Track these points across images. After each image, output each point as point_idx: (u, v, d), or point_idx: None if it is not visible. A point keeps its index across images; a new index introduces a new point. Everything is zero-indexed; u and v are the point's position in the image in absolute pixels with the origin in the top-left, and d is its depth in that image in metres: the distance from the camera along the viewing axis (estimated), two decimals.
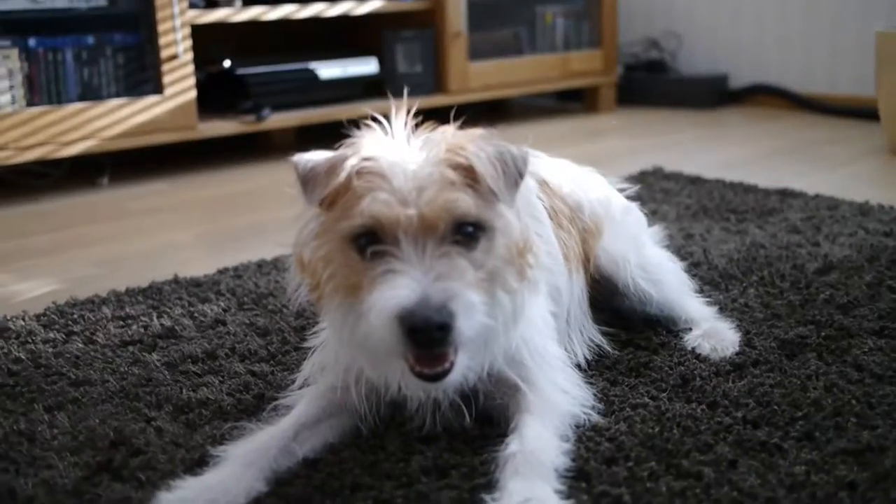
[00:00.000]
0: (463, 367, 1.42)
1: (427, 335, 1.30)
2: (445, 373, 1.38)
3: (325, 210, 1.49)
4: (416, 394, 1.53)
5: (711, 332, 1.96)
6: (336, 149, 1.53)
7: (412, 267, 1.34)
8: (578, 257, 1.91)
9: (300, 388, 1.68)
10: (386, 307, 1.31)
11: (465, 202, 1.40)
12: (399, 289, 1.31)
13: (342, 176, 1.43)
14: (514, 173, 1.49)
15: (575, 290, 1.87)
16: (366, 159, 1.44)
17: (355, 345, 1.49)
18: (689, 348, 1.92)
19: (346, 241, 1.42)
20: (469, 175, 1.44)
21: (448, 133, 1.52)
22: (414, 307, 1.29)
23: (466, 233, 1.40)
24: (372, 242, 1.38)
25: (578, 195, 1.98)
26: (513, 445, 1.44)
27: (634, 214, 2.15)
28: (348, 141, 1.53)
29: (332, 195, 1.46)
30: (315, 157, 1.50)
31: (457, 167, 1.43)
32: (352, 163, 1.44)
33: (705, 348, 1.90)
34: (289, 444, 1.52)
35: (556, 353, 1.67)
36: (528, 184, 1.82)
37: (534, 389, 1.56)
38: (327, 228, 1.47)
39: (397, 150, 1.47)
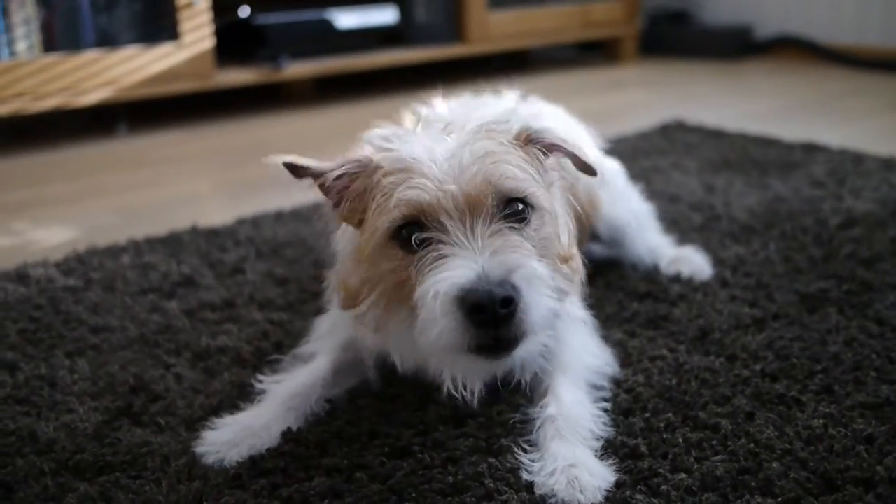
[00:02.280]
0: (531, 346, 1.28)
1: (493, 313, 1.16)
2: (512, 344, 1.22)
3: (359, 230, 1.39)
4: (471, 380, 1.38)
5: (682, 257, 2.07)
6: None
7: (463, 248, 1.22)
8: (574, 232, 1.88)
9: (316, 340, 1.69)
10: (442, 290, 1.18)
11: (513, 173, 1.29)
12: (453, 269, 1.19)
13: (334, 176, 1.36)
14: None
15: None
16: (385, 159, 1.34)
17: (416, 350, 1.37)
18: (668, 274, 2.03)
19: (386, 238, 1.30)
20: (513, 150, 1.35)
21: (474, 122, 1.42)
22: (473, 284, 1.16)
23: (516, 210, 1.29)
24: (416, 232, 1.28)
25: None
26: (551, 408, 1.43)
27: (616, 170, 2.16)
28: (356, 148, 1.43)
29: (360, 213, 1.36)
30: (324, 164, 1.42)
31: (499, 143, 1.34)
32: (348, 167, 1.36)
33: (685, 272, 2.02)
34: (325, 388, 1.54)
35: (582, 316, 1.64)
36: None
37: (565, 350, 1.54)
38: (367, 241, 1.35)
39: (421, 140, 1.36)
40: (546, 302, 1.22)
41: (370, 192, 1.34)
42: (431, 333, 1.21)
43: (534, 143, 1.41)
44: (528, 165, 1.35)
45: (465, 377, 1.35)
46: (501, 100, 2.04)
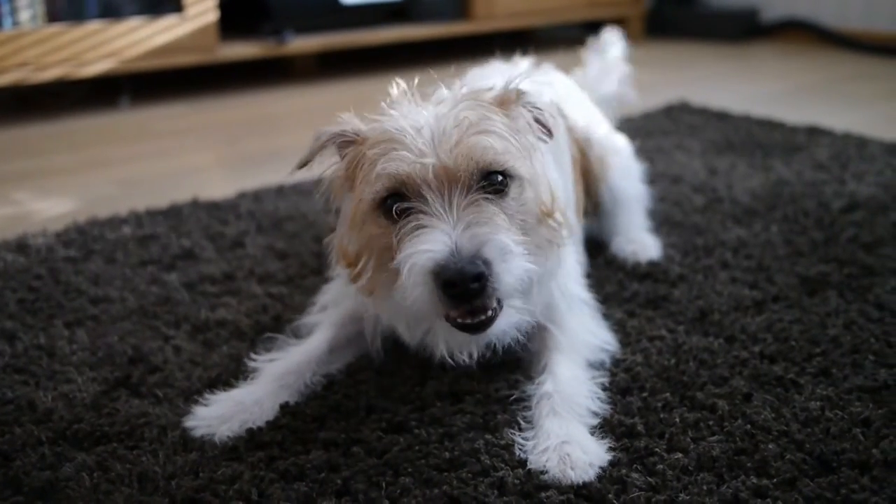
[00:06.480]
0: (509, 317, 1.33)
1: (463, 288, 1.21)
2: (489, 321, 1.29)
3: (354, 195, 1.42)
4: (460, 349, 1.43)
5: (635, 239, 2.07)
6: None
7: (439, 220, 1.27)
8: (581, 205, 1.89)
9: (319, 311, 1.69)
10: (418, 263, 1.24)
11: (492, 147, 1.32)
12: (428, 243, 1.24)
13: (320, 144, 1.43)
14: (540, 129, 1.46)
15: (580, 239, 1.88)
16: (371, 130, 1.40)
17: (398, 311, 1.43)
18: (612, 253, 2.04)
19: (373, 208, 1.35)
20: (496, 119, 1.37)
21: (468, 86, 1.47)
22: (446, 261, 1.22)
23: (494, 182, 1.32)
24: (398, 202, 1.32)
25: (588, 131, 1.97)
26: (547, 385, 1.43)
27: (626, 145, 2.19)
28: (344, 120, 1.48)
29: (351, 181, 1.42)
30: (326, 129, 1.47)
31: (482, 111, 1.37)
32: (331, 131, 1.43)
33: (627, 252, 2.03)
34: (320, 365, 1.55)
35: (585, 297, 1.66)
36: (560, 130, 1.82)
37: (564, 331, 1.55)
38: (355, 209, 1.40)
39: (406, 111, 1.39)
40: (517, 270, 1.27)
41: (359, 162, 1.39)
42: (410, 299, 1.27)
43: (516, 104, 1.44)
44: (508, 133, 1.37)
45: (455, 345, 1.42)
46: (513, 67, 2.04)
